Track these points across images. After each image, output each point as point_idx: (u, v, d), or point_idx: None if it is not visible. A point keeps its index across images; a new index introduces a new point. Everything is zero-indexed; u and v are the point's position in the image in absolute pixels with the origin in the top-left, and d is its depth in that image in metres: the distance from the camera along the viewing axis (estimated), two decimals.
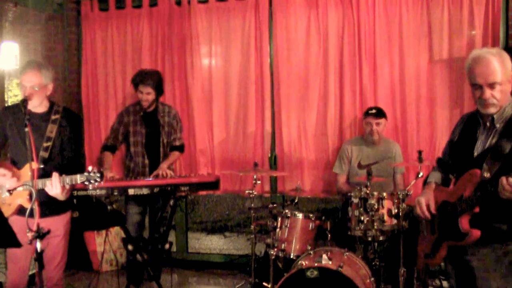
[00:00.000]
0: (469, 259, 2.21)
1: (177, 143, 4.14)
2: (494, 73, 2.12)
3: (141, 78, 3.98)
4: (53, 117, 2.89)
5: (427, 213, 2.37)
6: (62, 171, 2.69)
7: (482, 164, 2.13)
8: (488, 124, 2.22)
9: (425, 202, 2.38)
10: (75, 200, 3.19)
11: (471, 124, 2.33)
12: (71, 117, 2.98)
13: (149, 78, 3.96)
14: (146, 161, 4.03)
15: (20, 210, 2.80)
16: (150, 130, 4.06)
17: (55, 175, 2.65)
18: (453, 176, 2.52)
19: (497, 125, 2.18)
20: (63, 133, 2.89)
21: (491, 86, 2.14)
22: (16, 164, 2.88)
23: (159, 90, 4.05)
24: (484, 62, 2.15)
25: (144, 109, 4.04)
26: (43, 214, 2.61)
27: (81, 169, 2.66)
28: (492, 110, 2.17)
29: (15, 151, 2.89)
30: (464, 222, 2.14)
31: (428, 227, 2.44)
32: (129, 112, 4.09)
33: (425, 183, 2.56)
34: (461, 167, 2.30)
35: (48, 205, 2.77)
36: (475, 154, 2.23)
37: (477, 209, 2.10)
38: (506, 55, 2.18)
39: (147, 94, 3.97)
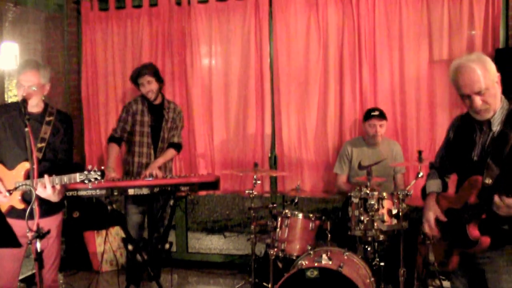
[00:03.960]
0: (480, 262, 2.19)
1: (176, 139, 4.14)
2: (479, 81, 2.08)
3: (137, 72, 4.06)
4: (47, 118, 2.87)
5: (436, 232, 2.32)
6: (54, 172, 2.66)
7: (482, 169, 2.10)
8: (484, 128, 2.19)
9: (434, 218, 2.32)
10: (65, 202, 3.15)
11: (466, 126, 2.29)
12: (64, 119, 2.96)
13: (144, 68, 4.05)
14: (152, 152, 4.04)
15: (10, 212, 2.74)
16: (154, 123, 4.07)
17: (45, 176, 2.61)
18: (448, 178, 2.51)
19: (494, 128, 2.16)
20: (56, 135, 2.87)
21: (480, 93, 2.10)
22: (4, 164, 2.81)
23: (158, 77, 4.08)
24: (467, 72, 2.10)
25: (151, 102, 4.06)
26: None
27: (73, 170, 2.63)
28: (487, 115, 2.14)
29: (5, 151, 2.82)
30: (472, 230, 2.10)
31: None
32: (137, 101, 4.10)
33: (424, 192, 2.51)
34: (461, 172, 2.28)
35: (41, 206, 2.67)
36: (475, 158, 2.20)
37: (483, 216, 2.07)
38: (486, 59, 2.14)
39: (148, 84, 4.00)
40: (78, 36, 5.03)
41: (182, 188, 3.55)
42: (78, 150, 4.93)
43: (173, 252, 4.71)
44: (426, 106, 4.30)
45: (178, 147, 4.17)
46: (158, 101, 4.11)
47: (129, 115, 4.05)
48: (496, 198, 1.94)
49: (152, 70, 4.06)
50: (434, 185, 2.48)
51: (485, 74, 2.09)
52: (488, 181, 2.05)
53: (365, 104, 4.33)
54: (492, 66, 2.13)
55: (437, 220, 2.33)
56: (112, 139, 4.07)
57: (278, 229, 3.58)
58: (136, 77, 4.06)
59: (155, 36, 4.77)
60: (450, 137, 2.43)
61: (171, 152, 4.11)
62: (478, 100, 2.11)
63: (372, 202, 3.37)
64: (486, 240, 2.08)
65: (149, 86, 4.00)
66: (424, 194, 2.50)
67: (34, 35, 4.82)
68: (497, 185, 1.98)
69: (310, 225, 3.52)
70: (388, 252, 3.59)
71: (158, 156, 4.04)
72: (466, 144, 2.26)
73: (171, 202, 3.74)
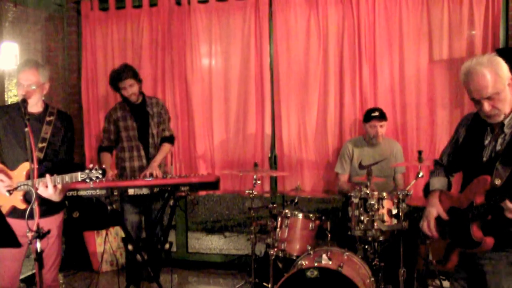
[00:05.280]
0: (481, 264, 2.17)
1: (167, 133, 4.14)
2: (488, 86, 2.05)
3: (117, 76, 3.99)
4: (47, 118, 2.87)
5: (434, 232, 2.31)
6: (56, 172, 2.66)
7: (491, 170, 2.08)
8: (496, 129, 2.16)
9: (435, 216, 2.30)
10: (66, 202, 3.14)
11: (476, 126, 2.27)
12: (64, 119, 2.96)
13: (123, 72, 3.98)
14: (143, 153, 4.03)
15: (12, 212, 2.74)
16: (140, 123, 4.05)
17: (47, 176, 2.62)
18: (453, 177, 2.50)
19: (506, 130, 2.13)
20: (57, 135, 2.87)
21: (489, 98, 2.07)
22: (6, 165, 2.81)
23: (137, 78, 4.06)
24: (477, 77, 2.07)
25: (133, 103, 4.03)
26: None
27: (74, 170, 2.63)
28: (497, 119, 2.12)
29: (7, 152, 2.83)
30: (476, 230, 2.09)
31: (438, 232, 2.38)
32: (116, 109, 4.08)
33: (427, 189, 2.48)
34: (469, 172, 2.25)
35: (41, 206, 2.67)
36: (484, 159, 2.17)
37: (489, 217, 2.05)
38: (498, 61, 2.10)
39: (130, 87, 3.97)
40: (78, 36, 5.03)
41: (182, 188, 3.56)
42: (78, 150, 4.93)
43: (173, 252, 4.72)
44: (426, 106, 4.30)
45: (171, 140, 4.17)
46: (139, 101, 4.08)
47: (111, 124, 4.05)
48: (508, 203, 1.91)
49: (131, 72, 4.01)
50: (439, 182, 2.45)
51: (495, 79, 2.06)
52: (498, 182, 2.03)
53: (365, 104, 4.32)
54: (504, 69, 2.09)
55: (438, 219, 2.31)
56: (101, 149, 4.10)
57: (278, 229, 3.58)
58: (116, 81, 4.01)
59: (155, 36, 4.77)
60: (459, 136, 2.40)
61: (166, 147, 4.10)
62: (487, 106, 2.09)
63: (372, 202, 3.36)
64: (490, 241, 2.07)
65: (131, 89, 3.97)
66: (427, 191, 2.48)
67: (34, 35, 4.82)
68: (507, 187, 1.96)
69: (310, 225, 3.52)
70: (388, 252, 3.58)
71: (150, 152, 4.03)
72: (476, 144, 2.23)
73: (171, 202, 3.74)
